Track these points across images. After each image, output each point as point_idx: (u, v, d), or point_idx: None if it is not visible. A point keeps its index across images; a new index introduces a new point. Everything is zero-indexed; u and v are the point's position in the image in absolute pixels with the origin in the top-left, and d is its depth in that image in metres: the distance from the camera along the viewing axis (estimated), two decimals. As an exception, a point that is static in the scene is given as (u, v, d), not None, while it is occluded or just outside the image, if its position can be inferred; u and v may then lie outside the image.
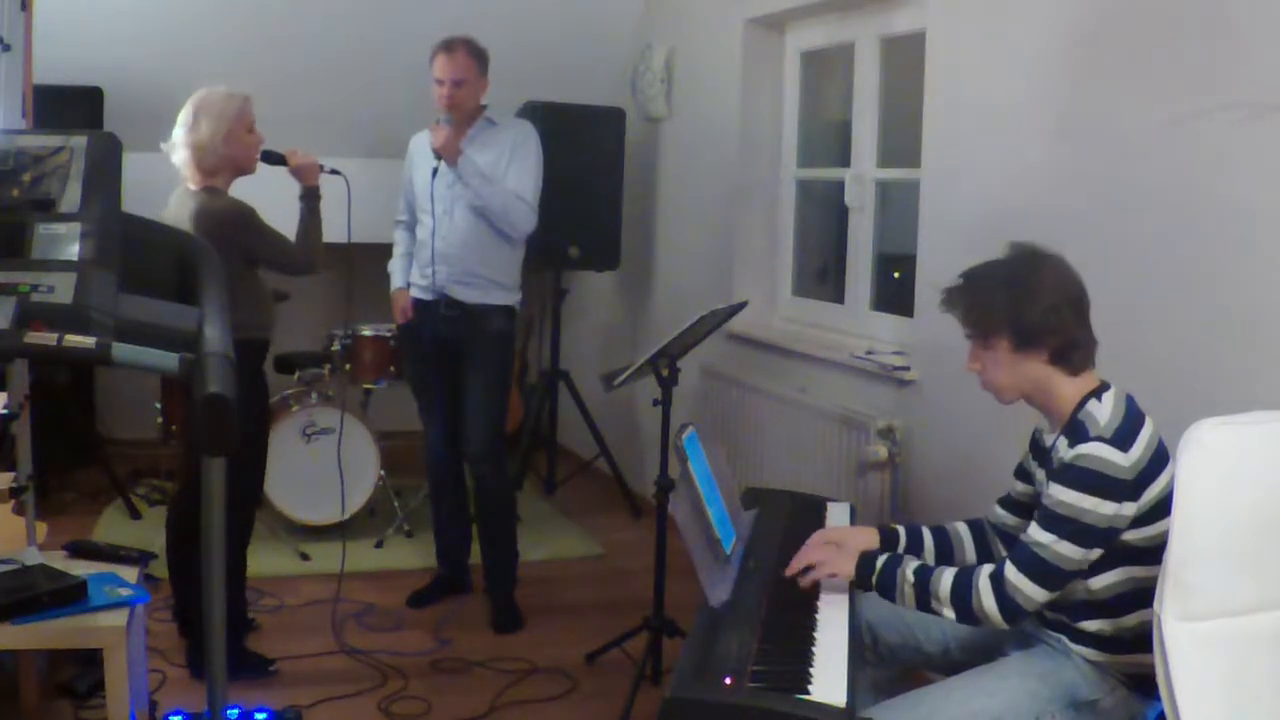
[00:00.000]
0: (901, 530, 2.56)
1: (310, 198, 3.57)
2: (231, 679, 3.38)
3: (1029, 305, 2.22)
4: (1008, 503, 2.53)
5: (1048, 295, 2.22)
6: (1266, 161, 2.56)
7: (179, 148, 3.38)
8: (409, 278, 4.14)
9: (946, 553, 2.54)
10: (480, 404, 4.02)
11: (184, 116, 3.39)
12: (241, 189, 3.49)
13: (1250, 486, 1.88)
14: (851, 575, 2.38)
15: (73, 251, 1.85)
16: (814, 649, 2.16)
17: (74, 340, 1.75)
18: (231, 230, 3.26)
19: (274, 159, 3.54)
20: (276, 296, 4.79)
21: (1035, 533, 2.18)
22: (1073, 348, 2.24)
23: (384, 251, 4.26)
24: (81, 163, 1.93)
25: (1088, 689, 2.24)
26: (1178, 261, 2.78)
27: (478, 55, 3.95)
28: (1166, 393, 2.33)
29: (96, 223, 1.88)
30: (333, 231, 3.76)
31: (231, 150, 3.39)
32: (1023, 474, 2.49)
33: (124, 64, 4.80)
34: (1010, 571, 2.19)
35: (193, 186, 3.40)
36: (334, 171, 3.63)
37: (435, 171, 3.94)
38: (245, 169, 3.48)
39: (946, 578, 2.26)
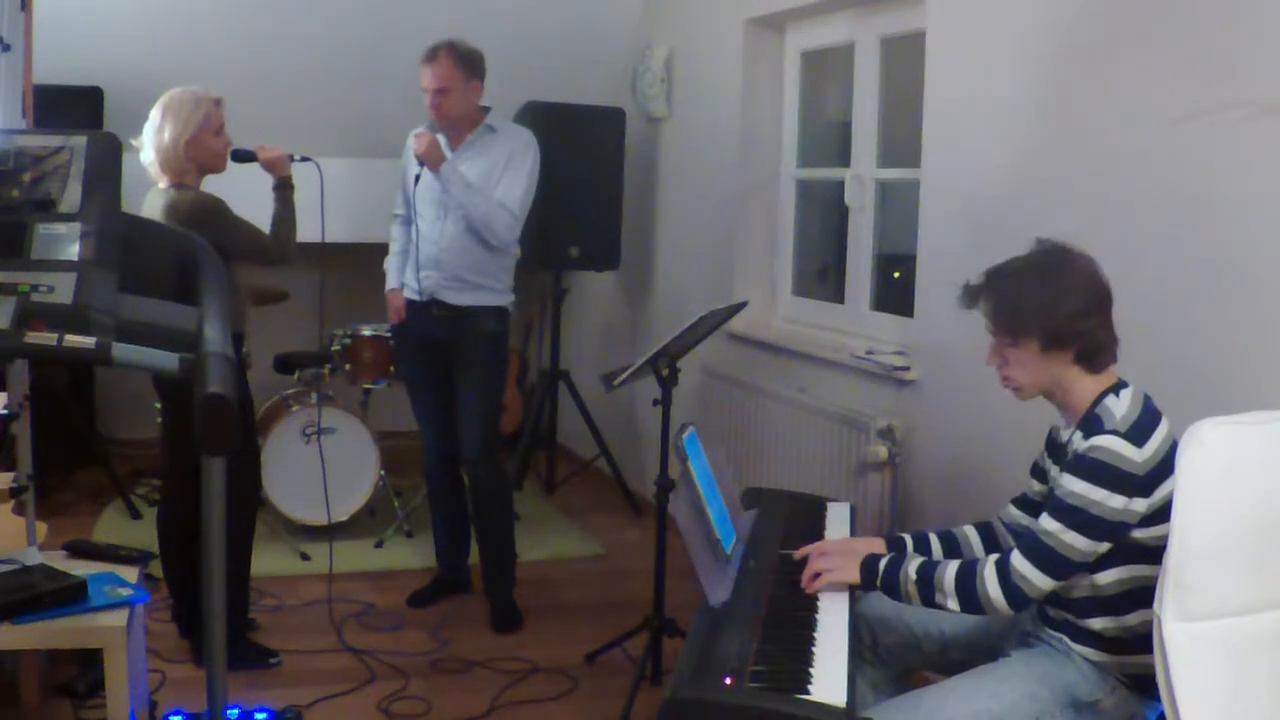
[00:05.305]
0: (908, 538, 2.56)
1: (283, 189, 3.59)
2: (233, 670, 3.40)
3: (1059, 308, 2.21)
4: (1022, 502, 2.53)
5: (1078, 298, 2.22)
6: (1266, 161, 2.56)
7: (146, 148, 3.41)
8: (403, 278, 4.12)
9: (955, 556, 2.53)
10: (473, 406, 4.00)
11: (153, 116, 3.42)
12: (219, 186, 3.51)
13: (1250, 486, 1.87)
14: (856, 579, 2.38)
15: (73, 251, 1.85)
16: (814, 649, 2.16)
17: (74, 340, 1.75)
18: (202, 223, 3.24)
19: (243, 157, 3.57)
20: (275, 296, 4.80)
21: (1044, 522, 2.18)
22: (1097, 349, 2.25)
23: (386, 251, 4.26)
24: (81, 163, 1.93)
25: (1088, 689, 2.25)
26: (1179, 262, 2.78)
27: (463, 60, 3.86)
28: (1168, 392, 2.33)
29: (96, 223, 1.88)
30: (334, 231, 3.77)
31: (195, 154, 3.42)
32: (1038, 472, 2.49)
33: (124, 64, 4.79)
34: (1017, 559, 2.19)
35: (162, 185, 3.42)
36: (304, 159, 3.64)
37: (418, 178, 3.92)
38: (212, 170, 3.50)
39: (950, 569, 2.26)
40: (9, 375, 3.37)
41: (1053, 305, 2.22)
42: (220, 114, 3.47)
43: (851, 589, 2.42)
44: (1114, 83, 2.96)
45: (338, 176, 3.85)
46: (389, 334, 4.74)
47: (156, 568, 3.58)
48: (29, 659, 3.17)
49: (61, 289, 1.80)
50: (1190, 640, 1.84)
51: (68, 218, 1.88)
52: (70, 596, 2.65)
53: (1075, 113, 3.08)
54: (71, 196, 1.90)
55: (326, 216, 3.65)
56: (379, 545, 4.78)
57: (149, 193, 3.46)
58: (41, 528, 3.46)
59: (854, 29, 4.30)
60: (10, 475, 3.29)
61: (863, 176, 4.27)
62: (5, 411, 3.24)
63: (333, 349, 4.94)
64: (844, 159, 4.39)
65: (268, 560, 4.42)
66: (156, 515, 3.76)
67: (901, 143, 4.07)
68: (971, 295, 2.32)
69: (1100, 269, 2.28)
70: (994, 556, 2.24)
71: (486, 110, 4.01)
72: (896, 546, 2.52)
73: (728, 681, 2.00)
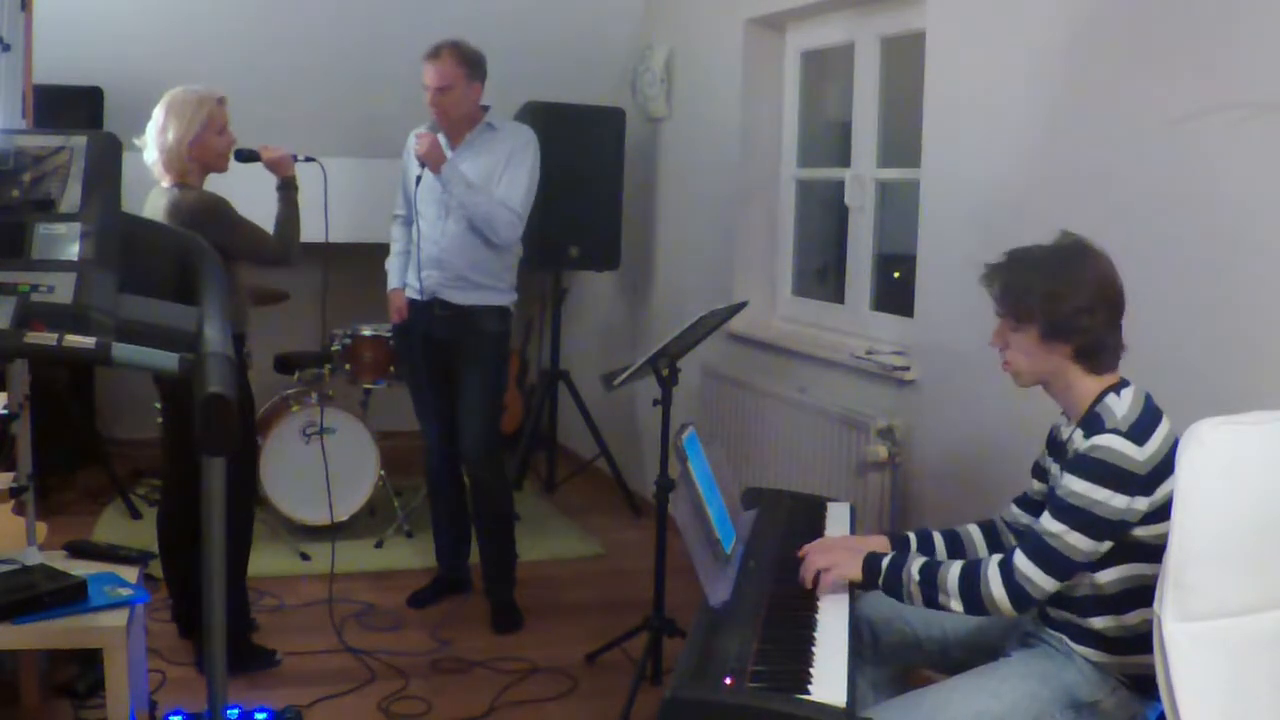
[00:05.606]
0: (912, 536, 2.56)
1: (287, 189, 3.58)
2: (240, 674, 3.40)
3: (1065, 300, 2.21)
4: (1024, 501, 2.53)
5: (1085, 294, 2.22)
6: (1266, 161, 2.56)
7: (149, 148, 3.41)
8: (405, 278, 4.12)
9: (959, 554, 2.53)
10: (474, 405, 4.01)
11: (156, 115, 3.41)
12: (225, 186, 3.50)
13: (1250, 486, 1.88)
14: (858, 577, 2.38)
15: (73, 251, 1.85)
16: (814, 649, 2.16)
17: (74, 340, 1.75)
18: (204, 223, 3.23)
19: (247, 156, 3.56)
20: (276, 296, 4.81)
21: (1046, 522, 2.18)
22: (1098, 349, 2.25)
23: (386, 251, 4.26)
24: (81, 163, 1.93)
25: (1088, 690, 2.24)
26: (1178, 262, 2.78)
27: (465, 59, 3.87)
28: (1168, 392, 2.33)
29: (96, 223, 1.88)
30: (335, 231, 3.76)
31: (198, 154, 3.41)
32: (1039, 472, 2.49)
33: (124, 64, 4.79)
34: (1020, 559, 2.19)
35: (165, 184, 3.41)
36: (308, 159, 3.63)
37: (419, 179, 3.92)
38: (215, 169, 3.49)
39: (954, 570, 2.26)
40: (9, 375, 3.37)
41: (1059, 296, 2.22)
42: (223, 113, 3.46)
43: (852, 587, 2.42)
44: (1114, 83, 2.96)
45: (338, 176, 3.84)
46: (389, 334, 4.74)
47: (156, 568, 3.58)
48: (29, 659, 3.17)
49: (61, 289, 1.81)
50: (1190, 640, 1.84)
51: (68, 218, 1.88)
52: (70, 596, 2.65)
53: (1075, 113, 3.08)
54: (71, 196, 1.90)
55: (332, 214, 3.64)
56: (379, 545, 4.78)
57: (151, 192, 3.46)
58: (41, 528, 3.46)
59: (854, 29, 4.30)
60: (10, 475, 3.29)
61: (863, 176, 4.27)
62: (5, 411, 3.24)
63: (333, 349, 4.94)
64: (844, 159, 4.39)
65: (268, 560, 4.42)
66: (156, 515, 3.76)
67: (901, 143, 4.07)
68: (990, 274, 2.33)
69: (1116, 272, 2.27)
70: (996, 557, 2.24)
71: (486, 109, 4.01)
72: (900, 545, 2.52)
73: (728, 681, 2.00)
